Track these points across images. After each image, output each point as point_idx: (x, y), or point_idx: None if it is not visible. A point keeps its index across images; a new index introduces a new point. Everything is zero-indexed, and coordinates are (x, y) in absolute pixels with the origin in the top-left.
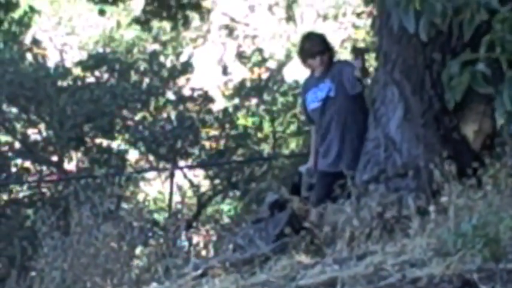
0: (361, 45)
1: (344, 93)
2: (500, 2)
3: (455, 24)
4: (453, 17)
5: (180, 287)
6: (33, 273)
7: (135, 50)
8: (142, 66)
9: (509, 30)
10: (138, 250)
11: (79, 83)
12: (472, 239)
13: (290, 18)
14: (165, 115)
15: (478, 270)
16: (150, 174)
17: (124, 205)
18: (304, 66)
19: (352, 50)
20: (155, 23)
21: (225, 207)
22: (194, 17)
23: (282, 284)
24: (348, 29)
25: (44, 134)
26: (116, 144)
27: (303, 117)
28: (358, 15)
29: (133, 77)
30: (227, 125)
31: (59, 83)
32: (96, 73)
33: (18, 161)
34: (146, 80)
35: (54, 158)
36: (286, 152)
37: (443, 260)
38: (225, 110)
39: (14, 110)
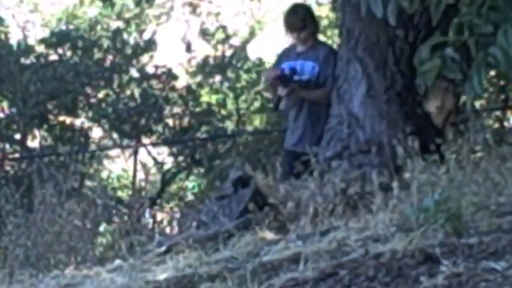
0: (325, 22)
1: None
2: None
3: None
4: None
5: (144, 264)
6: None
7: (98, 28)
8: (106, 43)
9: (477, 13)
10: (101, 227)
11: (42, 60)
12: (434, 214)
13: None
14: (128, 92)
15: (440, 245)
16: (114, 152)
17: (88, 183)
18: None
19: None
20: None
21: (189, 184)
22: None
23: (245, 260)
24: (312, 6)
25: (7, 111)
26: (79, 121)
27: (266, 94)
28: None
29: (97, 54)
30: (191, 103)
31: (22, 60)
32: (59, 50)
33: None
34: (109, 58)
35: (18, 136)
36: (250, 128)
37: (406, 235)
38: (189, 87)
39: None
